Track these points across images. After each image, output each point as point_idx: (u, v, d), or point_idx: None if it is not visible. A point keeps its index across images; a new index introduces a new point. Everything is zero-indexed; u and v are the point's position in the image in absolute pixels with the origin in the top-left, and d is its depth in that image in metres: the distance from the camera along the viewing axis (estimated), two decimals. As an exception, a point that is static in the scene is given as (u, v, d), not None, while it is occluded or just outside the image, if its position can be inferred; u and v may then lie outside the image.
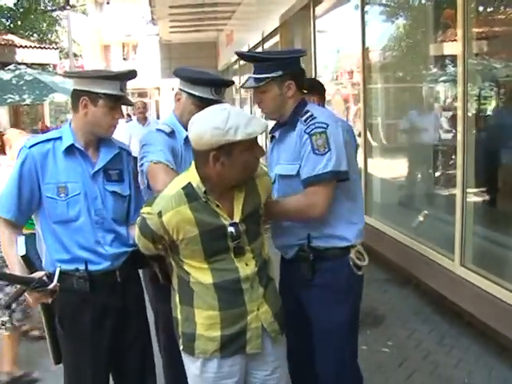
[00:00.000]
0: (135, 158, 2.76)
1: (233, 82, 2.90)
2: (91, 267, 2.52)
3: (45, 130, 14.32)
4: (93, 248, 2.54)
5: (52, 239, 2.54)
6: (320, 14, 8.63)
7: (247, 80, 2.74)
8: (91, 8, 32.80)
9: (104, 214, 2.57)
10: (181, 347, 2.37)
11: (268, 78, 2.61)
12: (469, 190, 4.81)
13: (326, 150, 2.51)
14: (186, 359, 2.38)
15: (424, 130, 6.54)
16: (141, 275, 2.87)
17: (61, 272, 2.41)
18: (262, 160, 2.34)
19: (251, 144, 2.16)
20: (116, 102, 2.55)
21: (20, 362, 4.19)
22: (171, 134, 2.75)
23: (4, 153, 4.38)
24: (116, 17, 35.48)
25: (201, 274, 2.26)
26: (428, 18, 6.21)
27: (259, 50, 12.59)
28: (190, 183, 2.23)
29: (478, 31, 5.00)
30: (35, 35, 23.24)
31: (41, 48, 18.15)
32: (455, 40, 4.82)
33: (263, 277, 2.35)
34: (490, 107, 5.58)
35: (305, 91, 4.56)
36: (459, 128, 4.74)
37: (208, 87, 2.70)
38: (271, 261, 2.46)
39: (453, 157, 4.96)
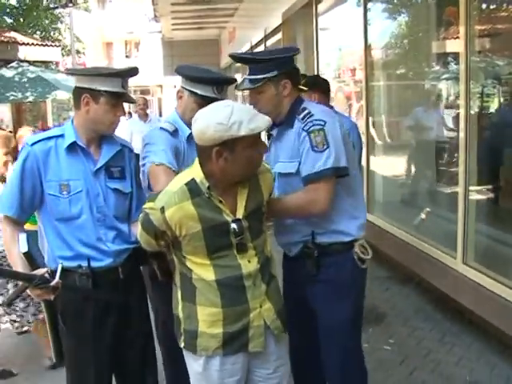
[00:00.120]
0: (137, 155, 2.77)
1: (235, 80, 2.90)
2: (94, 264, 2.53)
3: (45, 129, 14.32)
4: (95, 245, 2.54)
5: (54, 236, 2.55)
6: (322, 12, 8.62)
7: (242, 81, 2.73)
8: (94, 5, 32.78)
9: (106, 212, 2.58)
10: (182, 345, 2.36)
11: (264, 78, 2.61)
12: (471, 188, 4.80)
13: (325, 146, 2.52)
14: (188, 357, 2.38)
15: (426, 128, 6.53)
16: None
17: (63, 269, 2.42)
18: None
19: (255, 140, 2.17)
20: (117, 99, 2.55)
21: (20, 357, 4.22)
22: (174, 133, 2.75)
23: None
24: (118, 14, 35.51)
25: (203, 271, 2.26)
26: (430, 15, 6.20)
27: (261, 47, 12.59)
28: (193, 179, 2.23)
29: (481, 29, 4.99)
30: (38, 32, 23.25)
31: (43, 45, 18.12)
32: (458, 37, 4.82)
33: (265, 274, 2.35)
34: (493, 105, 5.57)
35: (306, 88, 4.59)
36: (461, 126, 4.73)
37: (209, 85, 2.70)
38: (273, 258, 2.46)
39: (455, 154, 4.95)
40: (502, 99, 5.53)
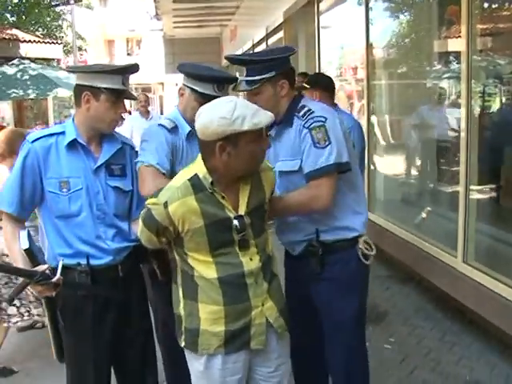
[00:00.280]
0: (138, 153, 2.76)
1: (236, 79, 2.89)
2: (93, 262, 2.53)
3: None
4: (94, 243, 2.54)
5: (54, 233, 2.55)
6: (324, 10, 8.61)
7: (239, 83, 2.73)
8: (96, 3, 32.77)
9: (106, 209, 2.57)
10: (182, 344, 2.35)
11: (262, 79, 2.61)
12: (472, 187, 4.80)
13: (327, 143, 2.52)
14: (189, 356, 2.38)
15: (427, 127, 6.51)
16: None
17: (63, 266, 2.42)
18: None
19: (258, 135, 2.17)
20: (118, 96, 2.54)
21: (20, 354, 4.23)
22: (173, 130, 2.74)
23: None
24: (120, 12, 35.51)
25: (205, 268, 2.26)
26: (432, 14, 6.18)
27: (263, 45, 12.58)
28: (196, 174, 2.24)
29: (483, 28, 4.98)
30: (40, 30, 23.26)
31: (44, 43, 18.14)
32: (459, 36, 4.81)
33: (267, 272, 2.35)
34: (494, 104, 5.55)
35: (308, 86, 4.59)
36: (463, 125, 4.73)
37: (210, 83, 2.69)
38: (275, 257, 2.46)
39: (456, 153, 4.95)
40: (503, 98, 5.52)
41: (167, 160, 2.63)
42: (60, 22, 24.69)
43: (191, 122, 2.67)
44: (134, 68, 2.61)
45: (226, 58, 2.84)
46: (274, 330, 2.35)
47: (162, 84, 36.88)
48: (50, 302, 2.59)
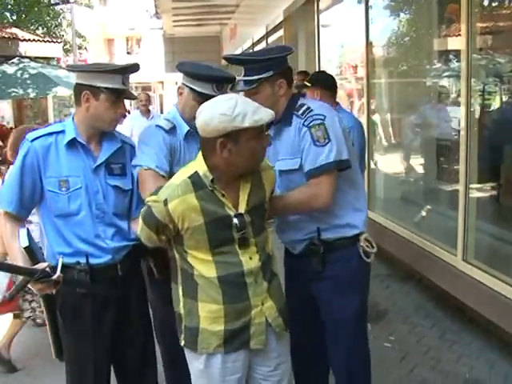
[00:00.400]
0: None
1: (234, 79, 2.88)
2: (92, 260, 2.53)
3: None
4: (93, 242, 2.54)
5: (53, 232, 2.55)
6: (324, 8, 8.62)
7: (237, 83, 2.73)
8: (95, 1, 32.75)
9: (105, 209, 2.57)
10: (182, 343, 2.36)
11: (260, 79, 2.61)
12: (471, 186, 4.81)
13: (327, 140, 2.53)
14: (189, 355, 2.38)
15: (427, 125, 6.52)
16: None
17: (63, 265, 2.42)
18: None
19: (258, 132, 2.17)
20: (118, 95, 2.54)
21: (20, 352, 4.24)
22: (171, 131, 2.73)
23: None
24: (120, 10, 35.48)
25: (205, 267, 2.26)
26: (432, 12, 6.18)
27: (263, 44, 12.57)
28: (196, 172, 2.24)
29: (482, 26, 4.98)
30: (40, 28, 23.24)
31: (44, 41, 18.12)
32: (459, 35, 4.81)
33: (267, 272, 2.35)
34: (494, 103, 5.56)
35: (309, 84, 4.59)
36: (462, 123, 4.73)
37: (209, 83, 2.68)
38: (275, 256, 2.46)
39: (456, 152, 4.95)
40: (503, 97, 5.52)
41: (166, 161, 2.63)
42: (60, 21, 24.67)
43: (190, 122, 2.67)
44: (134, 68, 2.60)
45: (224, 58, 2.84)
46: (273, 329, 2.35)
47: (162, 83, 36.87)
48: (49, 301, 2.60)
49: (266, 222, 2.44)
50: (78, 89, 2.54)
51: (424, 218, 6.20)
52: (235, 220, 2.23)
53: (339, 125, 2.62)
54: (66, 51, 23.48)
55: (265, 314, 2.32)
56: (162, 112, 27.27)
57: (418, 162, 7.00)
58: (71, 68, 3.38)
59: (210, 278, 2.25)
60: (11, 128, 15.43)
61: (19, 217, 2.57)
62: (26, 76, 12.88)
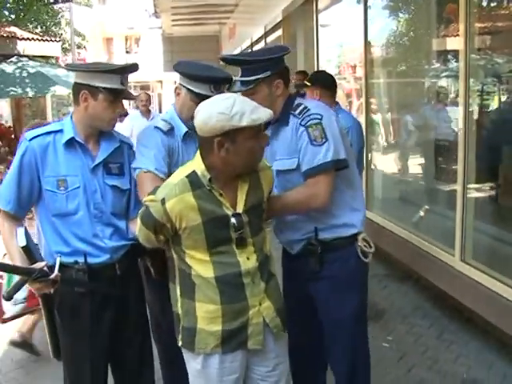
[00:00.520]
0: None
1: (232, 79, 2.87)
2: (90, 260, 2.53)
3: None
4: (91, 241, 2.54)
5: (51, 232, 2.55)
6: (323, 8, 8.62)
7: (234, 83, 2.72)
8: (94, 0, 32.70)
9: (103, 208, 2.57)
10: (180, 343, 2.36)
11: (257, 79, 2.61)
12: (469, 186, 4.81)
13: (324, 140, 2.52)
14: (187, 355, 2.38)
15: (426, 125, 6.52)
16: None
17: (61, 264, 2.42)
18: None
19: (256, 132, 2.17)
20: (117, 95, 2.53)
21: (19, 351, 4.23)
22: (169, 132, 2.72)
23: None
24: (119, 9, 35.44)
25: (202, 267, 2.26)
26: (430, 12, 6.19)
27: (262, 43, 12.57)
28: (194, 171, 2.24)
29: (481, 26, 4.98)
30: (39, 27, 23.19)
31: (43, 40, 18.09)
32: (457, 35, 4.82)
33: (264, 272, 2.35)
34: (492, 103, 5.56)
35: (309, 84, 4.59)
36: (460, 123, 4.74)
37: (206, 84, 2.67)
38: (273, 257, 2.46)
39: (454, 152, 4.95)
40: (501, 97, 5.53)
41: (165, 164, 2.62)
42: (58, 20, 24.62)
43: (187, 122, 2.67)
44: (132, 67, 2.60)
45: (221, 58, 2.83)
46: (270, 329, 2.35)
47: (161, 82, 36.84)
48: (46, 300, 2.59)
49: (263, 222, 2.44)
50: (77, 88, 2.54)
51: (422, 217, 6.21)
52: (233, 220, 2.23)
53: (336, 124, 2.62)
54: (65, 50, 23.43)
55: (262, 314, 2.31)
56: (160, 111, 27.24)
57: (416, 162, 7.00)
58: (70, 67, 3.37)
59: (207, 278, 2.25)
60: (9, 127, 15.43)
61: (17, 216, 2.57)
62: (25, 75, 12.86)
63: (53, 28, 24.07)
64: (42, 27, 23.41)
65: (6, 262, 2.68)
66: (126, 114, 9.79)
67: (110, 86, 2.49)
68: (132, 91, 2.82)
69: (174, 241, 2.31)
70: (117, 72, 2.52)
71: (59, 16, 24.50)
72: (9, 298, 2.31)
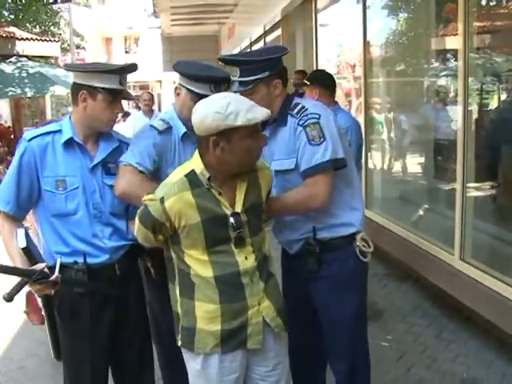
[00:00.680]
0: None
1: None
2: (90, 260, 2.53)
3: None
4: (91, 241, 2.54)
5: (50, 232, 2.55)
6: (322, 8, 8.62)
7: (232, 84, 2.71)
8: (93, 0, 32.68)
9: (102, 208, 2.57)
10: (179, 343, 2.36)
11: (256, 79, 2.61)
12: (469, 185, 4.81)
13: (322, 139, 2.53)
14: (186, 355, 2.38)
15: (425, 124, 6.53)
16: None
17: (61, 264, 2.42)
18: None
19: (252, 131, 2.17)
20: (115, 96, 2.53)
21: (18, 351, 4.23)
22: (165, 131, 2.71)
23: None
24: (118, 9, 35.42)
25: (201, 267, 2.26)
26: (429, 12, 6.19)
27: (261, 43, 12.57)
28: (193, 170, 2.25)
29: (480, 25, 4.99)
30: (37, 27, 23.17)
31: (42, 40, 18.08)
32: (456, 34, 4.82)
33: (263, 272, 2.35)
34: (491, 102, 5.57)
35: (308, 83, 4.59)
36: (459, 122, 4.74)
37: (207, 84, 2.66)
38: (272, 257, 2.46)
39: (453, 151, 4.95)
40: (500, 96, 5.54)
41: (149, 161, 2.60)
42: (57, 20, 24.60)
43: (187, 122, 2.66)
44: (131, 68, 2.60)
45: (219, 58, 2.82)
46: (271, 329, 2.35)
47: (160, 82, 36.81)
48: (47, 301, 2.59)
49: (263, 222, 2.44)
50: (76, 88, 2.54)
51: (421, 216, 6.21)
52: (231, 219, 2.24)
53: (334, 123, 2.62)
54: (64, 50, 23.41)
55: (262, 313, 2.31)
56: (160, 111, 27.22)
57: (415, 161, 7.02)
58: (69, 67, 3.37)
59: (206, 277, 2.25)
60: (9, 127, 15.43)
61: (16, 217, 2.57)
62: (24, 75, 12.85)
63: (51, 28, 24.04)
64: (40, 27, 23.39)
65: (5, 264, 2.68)
66: (128, 114, 9.77)
67: (108, 87, 2.49)
68: (131, 91, 2.81)
69: (173, 240, 2.31)
70: (115, 72, 2.52)
71: (58, 16, 24.48)
72: (9, 299, 2.31)
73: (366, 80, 7.01)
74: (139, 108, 11.32)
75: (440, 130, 6.22)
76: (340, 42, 8.93)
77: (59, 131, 2.56)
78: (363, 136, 6.17)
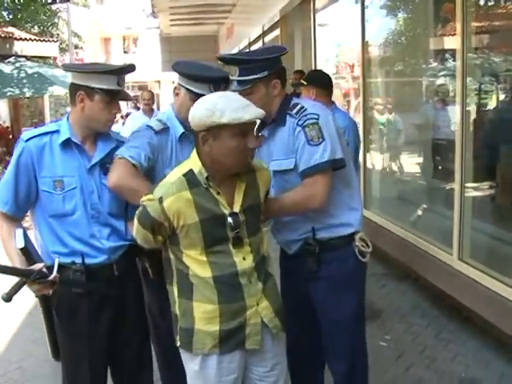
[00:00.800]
0: None
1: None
2: (88, 260, 2.53)
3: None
4: (89, 241, 2.54)
5: (48, 232, 2.54)
6: (320, 8, 8.62)
7: (231, 83, 2.71)
8: (92, 1, 32.66)
9: (100, 209, 2.57)
10: (178, 344, 2.35)
11: (255, 79, 2.60)
12: (467, 185, 4.82)
13: (321, 140, 2.52)
14: (185, 356, 2.38)
15: (423, 124, 6.54)
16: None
17: (59, 264, 2.42)
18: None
19: (242, 131, 2.16)
20: (113, 96, 2.53)
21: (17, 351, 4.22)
22: (161, 132, 2.71)
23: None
24: (116, 9, 35.41)
25: (200, 267, 2.26)
26: (428, 11, 6.20)
27: (259, 43, 12.56)
28: (191, 170, 2.25)
29: (478, 25, 5.00)
30: (36, 27, 23.15)
31: (40, 41, 18.08)
32: (454, 34, 4.82)
33: (261, 272, 2.34)
34: (489, 102, 5.57)
35: (305, 83, 4.59)
36: (458, 122, 4.74)
37: (206, 84, 2.66)
38: (270, 257, 2.46)
39: (451, 151, 4.96)
40: (498, 96, 5.54)
41: (143, 157, 2.60)
42: (56, 20, 24.58)
43: (185, 122, 2.66)
44: (129, 68, 2.60)
45: (218, 57, 2.82)
46: (269, 330, 2.35)
47: (159, 82, 36.77)
48: (45, 301, 2.59)
49: (261, 222, 2.44)
50: (73, 89, 2.54)
51: (420, 216, 6.21)
52: (229, 219, 2.24)
53: (333, 124, 2.62)
54: (63, 50, 23.40)
55: (260, 314, 2.31)
56: (159, 110, 27.19)
57: (413, 161, 7.02)
58: (66, 68, 3.37)
59: (204, 278, 2.25)
60: (7, 127, 15.42)
61: (15, 217, 2.56)
62: (23, 75, 12.84)
63: (50, 28, 24.02)
64: (39, 27, 23.37)
65: (3, 264, 2.68)
66: (128, 114, 9.74)
67: (106, 87, 2.49)
68: (129, 91, 2.81)
69: (171, 241, 2.31)
70: (113, 73, 2.52)
71: (56, 16, 24.46)
72: (8, 299, 2.31)
73: (364, 80, 7.01)
74: (138, 108, 11.31)
75: (438, 130, 6.22)
76: (338, 42, 8.93)
77: (57, 131, 2.56)
78: (361, 136, 6.18)
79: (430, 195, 6.45)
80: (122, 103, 2.67)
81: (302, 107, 2.59)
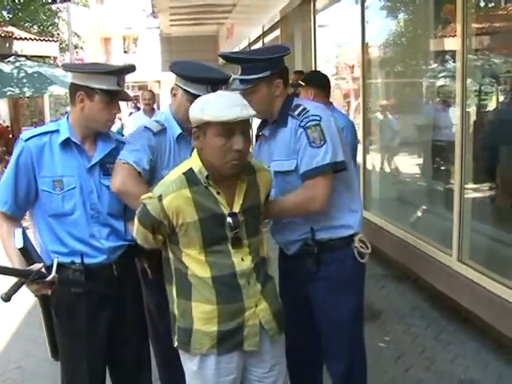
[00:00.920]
0: None
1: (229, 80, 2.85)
2: (87, 260, 2.53)
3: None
4: (88, 241, 2.54)
5: (47, 232, 2.54)
6: (320, 9, 8.62)
7: (233, 81, 2.69)
8: (92, 0, 32.67)
9: (99, 208, 2.57)
10: (175, 344, 2.35)
11: (258, 78, 2.59)
12: (467, 186, 4.82)
13: (322, 142, 2.52)
14: (183, 356, 2.37)
15: (423, 125, 6.53)
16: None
17: (58, 264, 2.42)
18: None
19: (227, 131, 2.13)
20: (113, 97, 2.53)
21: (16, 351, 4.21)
22: (159, 133, 2.71)
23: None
24: (117, 9, 35.43)
25: (199, 267, 2.25)
26: (428, 13, 6.20)
27: (259, 43, 12.56)
28: (191, 168, 2.25)
29: (478, 27, 5.00)
30: (35, 27, 23.15)
31: (40, 40, 18.08)
32: (455, 35, 4.82)
33: (260, 274, 2.34)
34: (489, 103, 5.58)
35: (303, 84, 4.60)
36: (457, 123, 4.74)
37: (203, 85, 2.65)
38: (270, 259, 2.45)
39: (451, 152, 4.96)
40: (498, 97, 5.54)
41: (145, 162, 2.61)
42: (56, 20, 24.58)
43: (183, 123, 2.66)
44: (129, 69, 2.60)
45: (221, 55, 2.81)
46: (266, 332, 2.35)
47: (159, 82, 36.77)
48: (45, 301, 2.59)
49: (261, 224, 2.43)
50: (73, 89, 2.54)
51: (419, 218, 6.21)
52: (229, 218, 2.23)
53: (335, 126, 2.61)
54: (63, 50, 23.40)
55: (258, 316, 2.31)
56: (159, 110, 27.19)
57: (413, 162, 7.02)
58: (66, 67, 3.36)
59: (203, 278, 2.25)
60: (7, 127, 15.42)
61: (15, 217, 2.56)
62: (23, 75, 12.83)
63: (49, 28, 24.02)
64: (39, 27, 23.37)
65: (1, 265, 2.68)
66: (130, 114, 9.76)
67: (106, 88, 2.48)
68: (130, 91, 2.81)
69: (170, 239, 2.31)
70: (113, 73, 2.52)
71: (57, 16, 24.46)
72: (7, 299, 2.31)
73: (364, 81, 7.01)
74: (138, 108, 11.32)
75: (438, 131, 6.22)
76: (339, 43, 8.93)
77: (56, 131, 2.56)
78: (361, 137, 6.19)
79: (430, 196, 6.45)
80: (122, 103, 2.66)
81: (304, 109, 2.58)
